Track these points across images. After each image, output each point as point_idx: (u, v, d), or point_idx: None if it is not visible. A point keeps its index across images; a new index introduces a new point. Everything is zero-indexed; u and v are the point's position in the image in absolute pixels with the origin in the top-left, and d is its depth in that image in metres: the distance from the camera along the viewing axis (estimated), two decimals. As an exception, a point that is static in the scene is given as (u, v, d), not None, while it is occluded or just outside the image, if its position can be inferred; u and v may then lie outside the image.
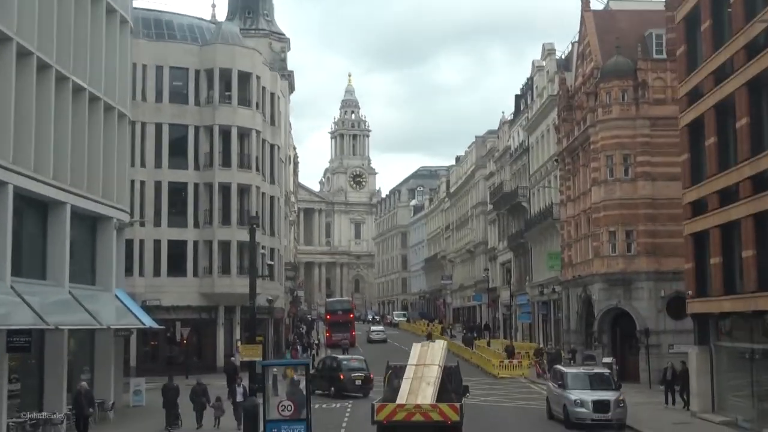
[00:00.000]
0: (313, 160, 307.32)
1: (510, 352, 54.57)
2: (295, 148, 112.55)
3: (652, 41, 49.71)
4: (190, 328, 52.89)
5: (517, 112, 76.02)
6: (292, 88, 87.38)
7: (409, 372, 25.76)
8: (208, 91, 55.40)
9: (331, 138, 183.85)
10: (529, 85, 71.46)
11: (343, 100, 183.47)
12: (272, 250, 59.16)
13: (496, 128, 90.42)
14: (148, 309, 52.66)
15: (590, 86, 50.19)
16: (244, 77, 56.04)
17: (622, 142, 47.63)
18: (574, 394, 29.77)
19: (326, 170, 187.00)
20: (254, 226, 30.99)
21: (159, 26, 56.11)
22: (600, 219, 48.07)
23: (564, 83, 56.46)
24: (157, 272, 53.84)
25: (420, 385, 24.88)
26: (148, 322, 36.37)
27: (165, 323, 53.83)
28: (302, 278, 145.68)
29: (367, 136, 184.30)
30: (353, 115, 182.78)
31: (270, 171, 59.55)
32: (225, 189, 54.85)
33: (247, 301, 57.07)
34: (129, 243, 52.06)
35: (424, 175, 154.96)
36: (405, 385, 25.12)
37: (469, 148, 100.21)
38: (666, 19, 48.64)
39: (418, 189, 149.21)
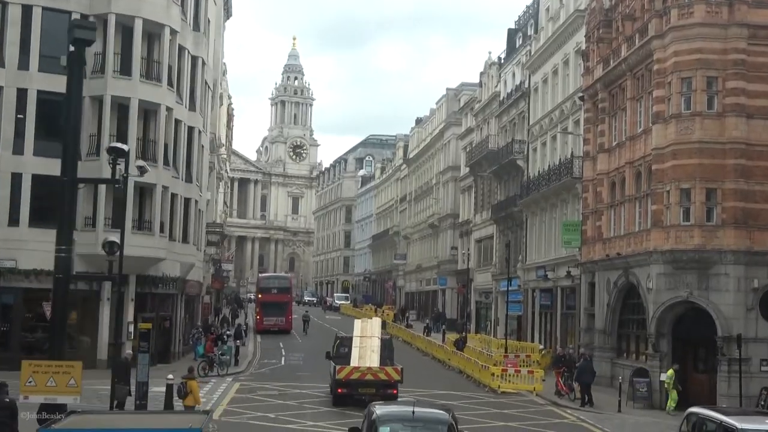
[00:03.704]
0: (250, 131, 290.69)
1: (557, 363, 36.88)
2: (230, 98, 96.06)
3: None
4: (57, 302, 36.48)
5: (511, 50, 60.58)
6: (228, 13, 70.96)
7: (356, 342, 32.07)
8: (101, -36, 38.68)
9: (272, 105, 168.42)
10: (531, 13, 56.11)
11: (285, 65, 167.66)
12: (187, 201, 42.92)
13: (471, 81, 75.21)
14: (-3, 273, 36.51)
15: (656, -19, 34.91)
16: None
17: (707, 58, 32.53)
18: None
19: (264, 139, 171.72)
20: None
21: None
22: (665, 171, 32.93)
23: (600, -10, 41.20)
24: (14, 221, 37.16)
25: (366, 352, 31.39)
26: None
27: (22, 294, 37.67)
28: (232, 251, 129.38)
29: (311, 105, 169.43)
30: (296, 82, 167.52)
31: (189, 92, 43.01)
32: (122, 108, 38.33)
33: (147, 269, 41.31)
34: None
35: (374, 143, 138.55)
36: (355, 353, 31.48)
37: (436, 104, 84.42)
38: None
39: (367, 158, 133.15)
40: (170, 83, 39.91)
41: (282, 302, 65.25)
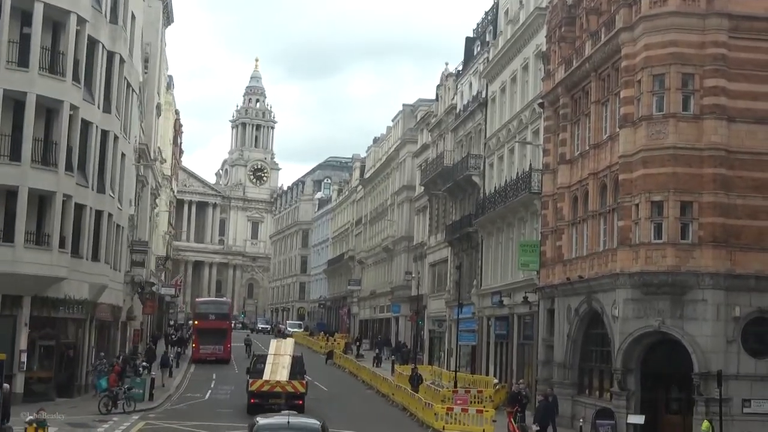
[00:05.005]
0: (215, 157, 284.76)
1: (513, 401, 32.31)
2: (178, 113, 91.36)
3: None
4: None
5: (468, 59, 56.44)
6: (169, 19, 66.43)
7: (269, 359, 36.47)
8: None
9: (232, 127, 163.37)
10: (489, 19, 52.03)
11: (247, 87, 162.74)
12: (99, 213, 37.97)
13: (429, 97, 70.94)
14: None
15: (624, -33, 30.73)
16: None
17: (682, 53, 28.37)
18: None
19: (224, 162, 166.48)
20: None
21: None
22: (634, 182, 28.67)
23: (562, -15, 37.06)
24: None
25: (278, 368, 35.60)
26: None
27: None
28: (180, 276, 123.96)
29: (272, 127, 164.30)
30: (258, 104, 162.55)
31: (103, 90, 38.13)
32: (17, 105, 33.52)
33: (46, 290, 36.02)
34: None
35: (333, 165, 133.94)
36: (268, 368, 35.72)
37: (393, 121, 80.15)
38: None
39: (326, 181, 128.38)
40: (77, 78, 35.07)
41: (220, 329, 60.03)
